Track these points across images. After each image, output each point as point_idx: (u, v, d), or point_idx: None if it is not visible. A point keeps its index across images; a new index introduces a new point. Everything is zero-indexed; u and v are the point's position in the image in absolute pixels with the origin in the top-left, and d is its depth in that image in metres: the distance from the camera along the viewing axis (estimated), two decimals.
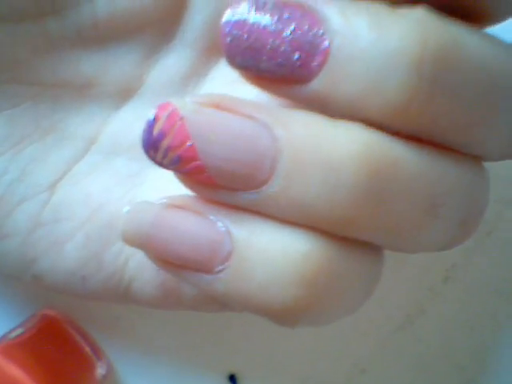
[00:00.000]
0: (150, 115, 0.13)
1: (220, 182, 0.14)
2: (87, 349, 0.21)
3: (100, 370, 0.21)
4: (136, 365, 0.22)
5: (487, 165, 0.20)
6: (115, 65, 0.17)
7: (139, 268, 0.17)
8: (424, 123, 0.13)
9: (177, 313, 0.21)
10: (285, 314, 0.14)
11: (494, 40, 0.14)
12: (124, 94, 0.18)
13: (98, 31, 0.17)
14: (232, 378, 0.22)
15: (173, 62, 0.17)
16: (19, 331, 0.20)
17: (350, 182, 0.13)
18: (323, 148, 0.13)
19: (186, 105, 0.13)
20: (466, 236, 0.15)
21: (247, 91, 0.15)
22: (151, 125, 0.13)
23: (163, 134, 0.13)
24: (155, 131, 0.13)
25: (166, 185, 0.16)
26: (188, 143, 0.13)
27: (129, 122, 0.18)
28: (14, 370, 0.19)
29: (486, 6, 0.15)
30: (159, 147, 0.14)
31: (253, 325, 0.22)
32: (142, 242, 0.15)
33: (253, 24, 0.13)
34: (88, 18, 0.17)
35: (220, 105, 0.14)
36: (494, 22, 0.15)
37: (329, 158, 0.13)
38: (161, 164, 0.14)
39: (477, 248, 0.21)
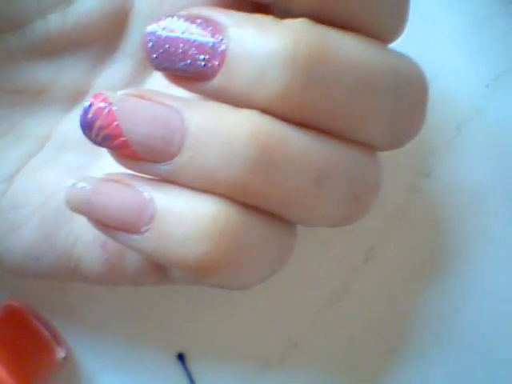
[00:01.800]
0: (86, 103, 0.16)
1: (142, 155, 0.16)
2: (47, 335, 0.23)
3: (60, 354, 0.23)
4: (92, 347, 0.23)
5: (396, 156, 0.23)
6: (66, 73, 0.20)
7: (86, 248, 0.19)
8: (302, 110, 0.16)
9: (127, 299, 0.23)
10: (199, 267, 0.17)
11: (372, 44, 0.17)
12: (74, 98, 0.20)
13: (50, 45, 0.19)
14: (180, 356, 0.24)
15: (116, 70, 0.20)
16: None
17: (242, 152, 0.16)
18: (221, 126, 0.16)
19: (115, 94, 0.16)
20: (360, 211, 0.18)
21: (177, 92, 0.18)
22: (87, 110, 0.16)
23: (96, 116, 0.16)
24: (90, 115, 0.16)
25: None
26: (115, 123, 0.16)
27: (78, 122, 0.20)
28: None
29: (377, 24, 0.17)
30: (93, 127, 0.16)
31: (196, 307, 0.24)
32: (83, 207, 0.17)
33: (168, 33, 0.16)
34: (41, 33, 0.19)
35: (144, 96, 0.17)
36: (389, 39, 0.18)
37: (225, 133, 0.16)
38: (95, 141, 0.17)
39: (391, 231, 0.23)
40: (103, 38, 0.19)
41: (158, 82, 0.19)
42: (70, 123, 0.20)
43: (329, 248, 0.24)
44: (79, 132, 0.20)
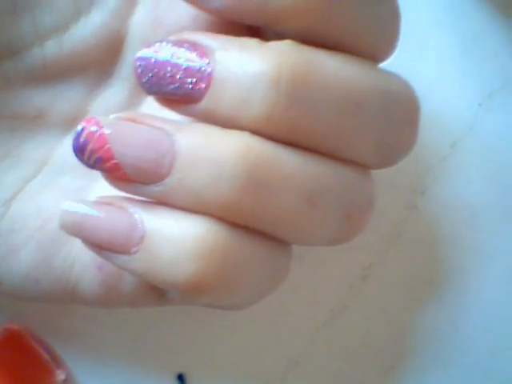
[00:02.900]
0: (79, 127, 0.17)
1: (133, 177, 0.17)
2: (47, 357, 0.23)
3: (60, 377, 0.23)
4: (92, 370, 0.23)
5: (391, 175, 0.23)
6: (63, 98, 0.20)
7: (83, 269, 0.19)
8: (289, 131, 0.17)
9: (127, 320, 0.23)
10: (190, 288, 0.17)
11: (359, 64, 0.17)
12: (70, 122, 0.20)
13: (47, 70, 0.19)
14: (180, 377, 0.24)
15: (112, 94, 0.20)
16: None
17: (231, 173, 0.16)
18: (210, 148, 0.16)
19: (106, 119, 0.17)
20: (354, 229, 0.18)
21: (170, 114, 0.18)
22: (79, 134, 0.17)
23: (88, 140, 0.17)
24: (82, 139, 0.17)
25: None
26: (106, 146, 0.16)
27: None
28: None
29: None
30: (85, 150, 0.17)
31: (196, 327, 0.24)
32: (76, 230, 0.17)
33: (156, 58, 0.17)
34: (38, 59, 0.19)
35: (135, 119, 0.17)
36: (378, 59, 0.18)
37: (214, 155, 0.16)
38: (88, 164, 0.17)
39: (389, 249, 0.24)
40: (99, 63, 0.20)
41: (153, 104, 0.19)
42: (66, 147, 0.20)
43: (326, 266, 0.24)
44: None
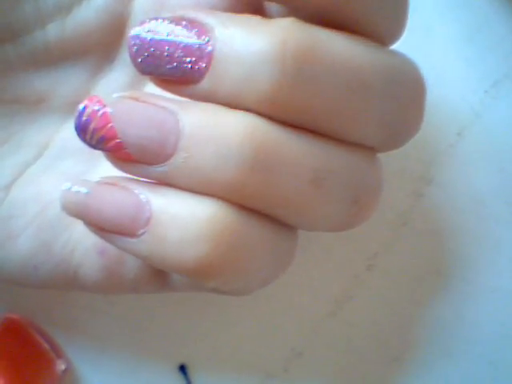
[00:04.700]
0: (81, 105, 0.16)
1: (136, 157, 0.16)
2: (47, 347, 0.23)
3: (60, 367, 0.23)
4: (93, 360, 0.23)
5: (398, 163, 0.23)
6: (65, 82, 0.19)
7: (84, 255, 0.19)
8: (293, 111, 0.16)
9: (128, 310, 0.23)
10: (197, 271, 0.16)
11: (365, 43, 0.17)
12: (72, 107, 0.19)
13: (49, 54, 0.19)
14: (182, 367, 0.23)
15: (115, 78, 0.20)
16: None
17: (237, 152, 0.16)
18: (216, 127, 0.16)
19: (109, 97, 0.16)
20: (361, 215, 0.18)
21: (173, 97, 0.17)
22: (81, 112, 0.16)
23: (90, 119, 0.16)
24: (84, 117, 0.16)
25: None
26: (109, 125, 0.16)
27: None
28: None
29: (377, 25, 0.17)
30: (87, 129, 0.16)
31: (198, 318, 0.23)
32: (79, 211, 0.17)
33: (153, 36, 0.16)
34: (40, 42, 0.19)
35: (139, 98, 0.16)
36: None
37: (220, 134, 0.16)
38: (90, 144, 0.16)
39: (395, 238, 0.23)
40: (101, 47, 0.19)
41: (156, 89, 0.19)
42: (68, 131, 0.20)
43: (331, 255, 0.23)
44: (77, 140, 0.20)
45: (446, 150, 0.24)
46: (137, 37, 0.16)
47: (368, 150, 0.18)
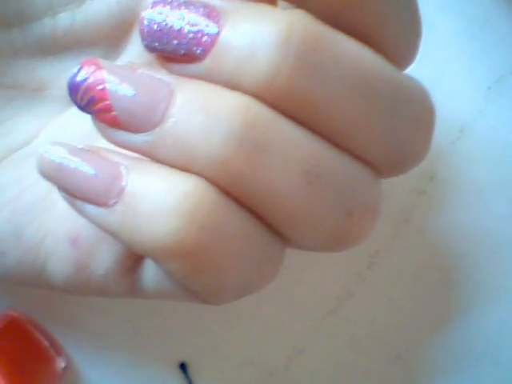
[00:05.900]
0: (77, 65, 0.16)
1: (123, 122, 0.16)
2: (47, 345, 0.23)
3: (60, 364, 0.23)
4: (93, 357, 0.23)
5: None
6: (67, 73, 0.19)
7: (55, 244, 0.18)
8: (291, 99, 0.16)
9: (128, 308, 0.23)
10: (167, 249, 0.15)
11: (377, 56, 0.16)
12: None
13: (55, 43, 0.19)
14: (182, 365, 0.23)
15: None
16: None
17: (225, 127, 0.15)
18: (207, 100, 0.16)
19: (106, 61, 0.16)
20: (353, 233, 0.17)
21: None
22: (76, 73, 0.16)
23: (84, 78, 0.16)
24: (78, 78, 0.16)
25: None
26: (101, 86, 0.16)
27: (71, 123, 0.20)
28: None
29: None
30: (79, 89, 0.16)
31: (198, 316, 0.23)
32: (53, 172, 0.16)
33: (163, 17, 0.16)
34: (48, 30, 0.19)
35: (136, 69, 0.16)
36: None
37: (211, 107, 0.15)
38: (80, 105, 0.16)
39: (396, 235, 0.23)
40: (109, 39, 0.19)
41: None
42: (62, 122, 0.20)
43: (332, 253, 0.23)
44: (69, 132, 0.20)
45: (448, 147, 0.24)
46: (147, 18, 0.16)
47: (368, 166, 0.17)
